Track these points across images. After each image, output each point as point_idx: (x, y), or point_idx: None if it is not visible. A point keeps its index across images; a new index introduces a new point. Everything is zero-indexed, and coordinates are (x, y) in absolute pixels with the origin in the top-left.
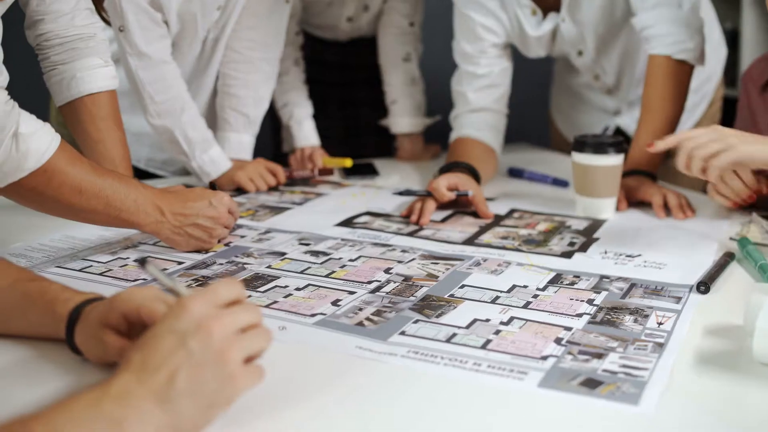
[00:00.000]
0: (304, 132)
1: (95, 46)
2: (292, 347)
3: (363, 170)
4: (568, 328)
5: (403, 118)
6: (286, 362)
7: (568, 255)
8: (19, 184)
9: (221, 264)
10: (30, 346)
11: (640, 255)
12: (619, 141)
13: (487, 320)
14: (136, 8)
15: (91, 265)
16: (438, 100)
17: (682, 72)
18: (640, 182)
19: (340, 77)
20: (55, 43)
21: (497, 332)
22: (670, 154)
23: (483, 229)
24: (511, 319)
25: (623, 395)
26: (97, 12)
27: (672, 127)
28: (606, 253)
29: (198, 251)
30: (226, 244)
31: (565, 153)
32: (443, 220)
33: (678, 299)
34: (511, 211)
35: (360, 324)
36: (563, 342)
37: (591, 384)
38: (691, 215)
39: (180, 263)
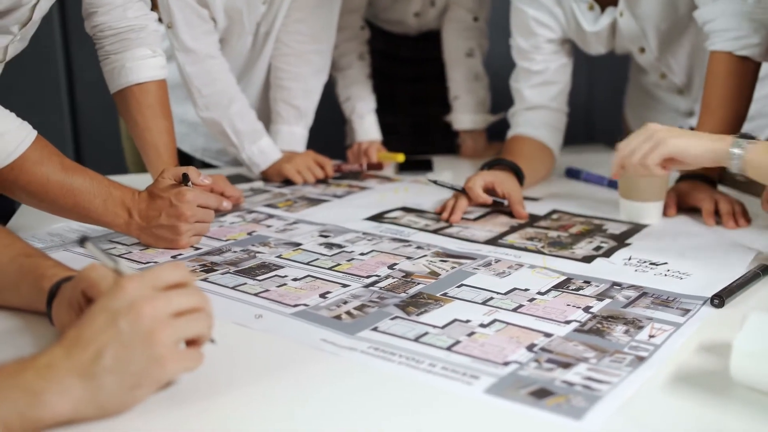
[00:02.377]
0: (365, 126)
1: (145, 37)
2: (258, 335)
3: (417, 166)
4: (549, 335)
5: (465, 114)
6: (245, 348)
7: (588, 259)
8: None
9: (235, 252)
10: (20, 318)
11: (665, 263)
12: None
13: (467, 321)
14: (183, 5)
15: (115, 247)
16: (504, 97)
17: (745, 69)
18: (693, 187)
19: (412, 72)
20: (108, 33)
21: (471, 334)
22: None
23: (512, 230)
24: (493, 321)
25: (569, 409)
26: (153, 8)
27: (733, 128)
28: (630, 259)
29: (172, 248)
30: (249, 233)
31: None
32: (476, 219)
33: (686, 312)
34: (552, 212)
35: (337, 317)
36: (535, 349)
37: (540, 394)
38: (744, 224)
39: (197, 249)
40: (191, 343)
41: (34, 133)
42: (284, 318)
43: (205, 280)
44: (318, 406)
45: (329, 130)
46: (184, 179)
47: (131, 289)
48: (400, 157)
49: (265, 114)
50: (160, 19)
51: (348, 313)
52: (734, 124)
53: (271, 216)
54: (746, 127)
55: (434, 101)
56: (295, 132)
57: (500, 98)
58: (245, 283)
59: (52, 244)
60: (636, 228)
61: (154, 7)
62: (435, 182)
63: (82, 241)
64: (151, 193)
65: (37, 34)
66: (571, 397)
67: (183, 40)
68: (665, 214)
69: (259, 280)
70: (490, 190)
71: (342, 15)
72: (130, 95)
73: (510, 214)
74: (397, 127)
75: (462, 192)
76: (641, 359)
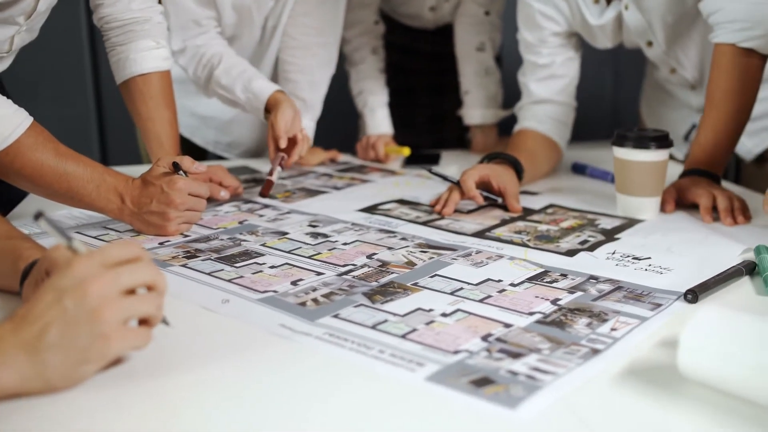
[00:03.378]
0: (377, 120)
1: (150, 29)
2: (222, 319)
3: (424, 160)
4: (509, 326)
5: (475, 109)
6: (206, 331)
7: (572, 253)
8: None
9: (221, 240)
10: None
11: (648, 258)
12: (664, 135)
13: (430, 310)
14: (178, 10)
15: (108, 233)
16: (519, 92)
17: (750, 63)
18: (692, 182)
19: (430, 66)
20: (114, 25)
21: (429, 323)
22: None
23: (503, 223)
24: (456, 311)
25: (507, 398)
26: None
27: (737, 123)
28: (614, 253)
29: (162, 235)
30: (240, 222)
31: None
32: (469, 212)
33: (656, 306)
34: (548, 207)
35: (302, 304)
36: (490, 339)
37: (481, 383)
38: (743, 221)
39: (186, 236)
40: (144, 321)
41: (30, 119)
42: (250, 303)
43: (184, 265)
44: (262, 388)
45: (347, 124)
46: (176, 167)
47: (79, 267)
48: (406, 151)
49: None
50: None
51: (314, 300)
52: (738, 118)
53: (266, 206)
54: (751, 128)
55: (451, 95)
56: (302, 124)
57: (514, 93)
58: (222, 270)
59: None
60: (630, 223)
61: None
62: (430, 171)
63: (38, 216)
64: (144, 180)
65: (64, 29)
66: (510, 386)
67: (173, 44)
68: (663, 209)
69: (237, 267)
70: (485, 184)
71: (355, 10)
72: (133, 86)
73: (506, 208)
74: (414, 120)
75: (457, 185)
76: (596, 352)
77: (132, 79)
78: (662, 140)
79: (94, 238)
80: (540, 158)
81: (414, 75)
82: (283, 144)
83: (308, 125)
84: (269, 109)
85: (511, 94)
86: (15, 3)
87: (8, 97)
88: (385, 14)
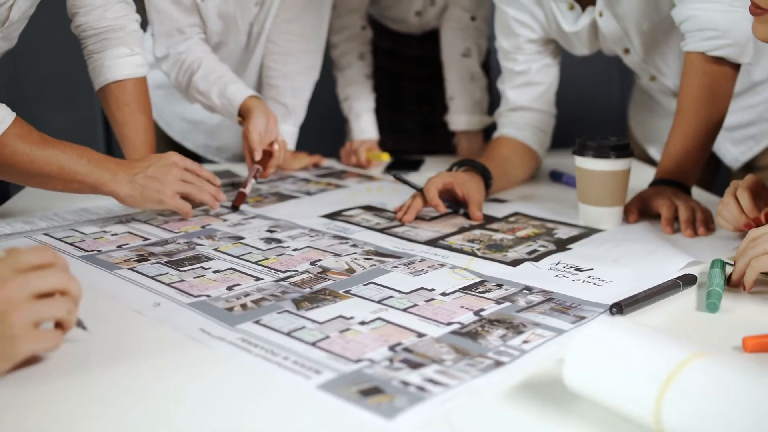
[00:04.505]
0: (362, 125)
1: (124, 37)
2: (145, 321)
3: (405, 165)
4: (422, 335)
5: (460, 115)
6: (128, 334)
7: (516, 263)
8: None
9: (178, 244)
10: None
11: (591, 269)
12: (624, 144)
13: (350, 318)
14: (162, 18)
15: (73, 235)
16: None
17: (721, 71)
18: (657, 192)
19: (419, 71)
20: (90, 33)
21: (344, 331)
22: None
23: (460, 231)
24: (376, 320)
25: (387, 408)
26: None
27: (708, 132)
28: (557, 264)
29: (158, 209)
30: (203, 226)
31: (641, 160)
32: (430, 219)
33: (580, 319)
34: (511, 215)
35: (229, 309)
36: (397, 348)
37: (369, 392)
38: (703, 233)
39: (145, 239)
40: (58, 325)
41: (13, 114)
42: (179, 307)
43: (132, 269)
44: (161, 391)
45: (335, 129)
46: None
47: None
48: (385, 156)
49: None
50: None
51: (243, 305)
52: (709, 127)
53: (235, 209)
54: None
55: (441, 101)
56: (283, 129)
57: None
58: (166, 273)
59: (36, 228)
60: (587, 233)
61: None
62: (395, 176)
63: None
64: (135, 159)
65: (72, 34)
66: (396, 397)
67: (156, 51)
68: (627, 220)
69: (181, 271)
70: (449, 191)
71: (342, 15)
72: (109, 92)
73: (469, 216)
74: (404, 126)
75: (421, 192)
76: (499, 364)
77: (107, 85)
78: (623, 149)
79: (85, 235)
80: (515, 165)
81: (402, 80)
82: (257, 156)
83: (290, 130)
84: (242, 115)
85: (498, 100)
86: None
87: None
88: (373, 19)
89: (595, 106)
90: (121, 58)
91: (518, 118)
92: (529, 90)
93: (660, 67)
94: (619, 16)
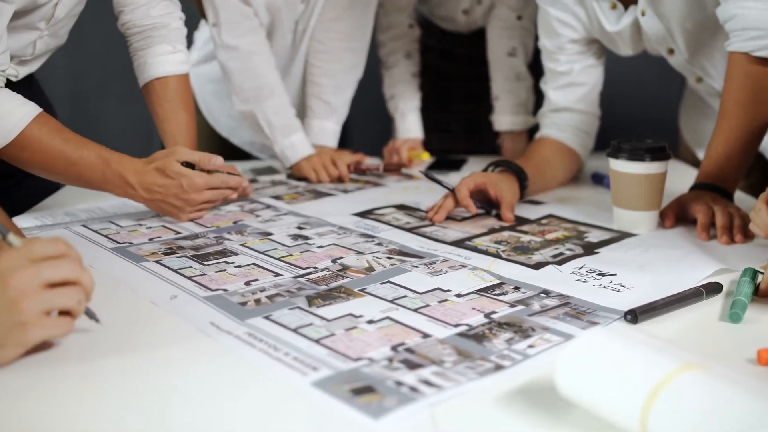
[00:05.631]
0: (407, 124)
1: (167, 34)
2: (160, 313)
3: (447, 165)
4: (428, 336)
5: (505, 115)
6: (141, 324)
7: (538, 266)
8: (2, 154)
9: (207, 238)
10: None
11: (614, 275)
12: (660, 147)
13: (359, 316)
14: (227, 4)
15: (110, 227)
16: None
17: (765, 73)
18: (695, 197)
19: (466, 70)
20: (134, 31)
21: (351, 329)
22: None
23: (489, 232)
24: (384, 318)
25: (376, 408)
26: (198, 10)
27: (751, 136)
28: (581, 268)
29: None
30: (235, 222)
31: (690, 164)
32: (461, 220)
33: (592, 324)
34: (544, 217)
35: (243, 303)
36: (399, 348)
37: (361, 391)
38: (741, 240)
39: (177, 233)
40: (68, 313)
41: (36, 111)
42: (195, 300)
43: (158, 261)
44: (156, 381)
45: (383, 127)
46: (190, 165)
47: (5, 260)
48: (425, 156)
49: (303, 109)
50: (204, 18)
51: (257, 300)
52: (752, 132)
53: (268, 207)
54: None
55: (488, 100)
56: (325, 126)
57: None
58: (190, 267)
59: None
60: (619, 237)
61: (199, 7)
62: (426, 175)
63: None
64: (159, 170)
65: None
66: (387, 397)
67: (224, 38)
68: (663, 225)
69: (205, 265)
70: (482, 192)
71: (390, 13)
72: (151, 89)
73: (501, 217)
74: (451, 125)
75: (452, 192)
76: (499, 368)
77: (150, 82)
78: (658, 152)
79: (121, 227)
80: (554, 167)
81: (450, 79)
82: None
83: (333, 128)
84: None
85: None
86: (35, 9)
87: (44, 93)
88: (423, 17)
89: (655, 108)
90: (163, 55)
91: (560, 118)
92: (572, 91)
93: (706, 68)
94: (662, 15)
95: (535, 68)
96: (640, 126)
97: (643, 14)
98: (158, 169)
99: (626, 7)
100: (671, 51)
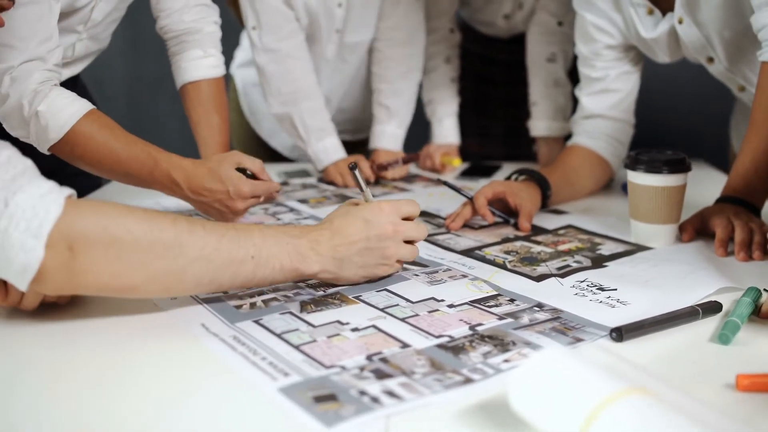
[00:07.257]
0: (444, 129)
1: (200, 39)
2: (155, 311)
3: (479, 171)
4: (406, 346)
5: (542, 121)
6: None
7: (541, 278)
8: (54, 149)
9: None
10: None
11: (614, 289)
12: (680, 159)
13: (346, 324)
14: (269, 8)
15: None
16: None
17: None
18: (717, 210)
19: (507, 75)
20: (170, 36)
21: (333, 336)
22: None
23: (502, 241)
24: (369, 327)
25: (332, 416)
26: (234, 14)
27: None
28: (582, 282)
29: None
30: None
31: None
32: (478, 228)
33: (577, 341)
34: (562, 227)
35: (239, 307)
36: (374, 357)
37: (323, 399)
38: (759, 258)
39: None
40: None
41: (86, 108)
42: (192, 301)
43: None
44: (132, 378)
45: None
46: (243, 170)
47: (386, 213)
48: (457, 162)
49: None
50: (240, 22)
51: (252, 304)
52: None
53: (292, 210)
54: None
55: (526, 106)
56: (386, 130)
57: None
58: None
59: None
60: (633, 251)
61: (237, 11)
62: (445, 183)
63: (353, 167)
64: (212, 172)
65: None
66: (346, 405)
67: (266, 41)
68: (681, 238)
69: None
70: (501, 201)
71: (432, 17)
72: (185, 93)
73: (518, 227)
74: (490, 130)
75: (471, 200)
76: (468, 381)
77: (184, 86)
78: (677, 164)
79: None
80: (583, 176)
81: (490, 84)
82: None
83: (393, 132)
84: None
85: None
86: (73, 12)
87: (90, 95)
88: (463, 22)
89: (705, 119)
90: (195, 60)
91: (593, 126)
92: (606, 97)
93: (748, 77)
94: (700, 23)
95: (575, 75)
96: (692, 136)
97: (680, 22)
98: (211, 170)
99: (664, 14)
100: (711, 59)
